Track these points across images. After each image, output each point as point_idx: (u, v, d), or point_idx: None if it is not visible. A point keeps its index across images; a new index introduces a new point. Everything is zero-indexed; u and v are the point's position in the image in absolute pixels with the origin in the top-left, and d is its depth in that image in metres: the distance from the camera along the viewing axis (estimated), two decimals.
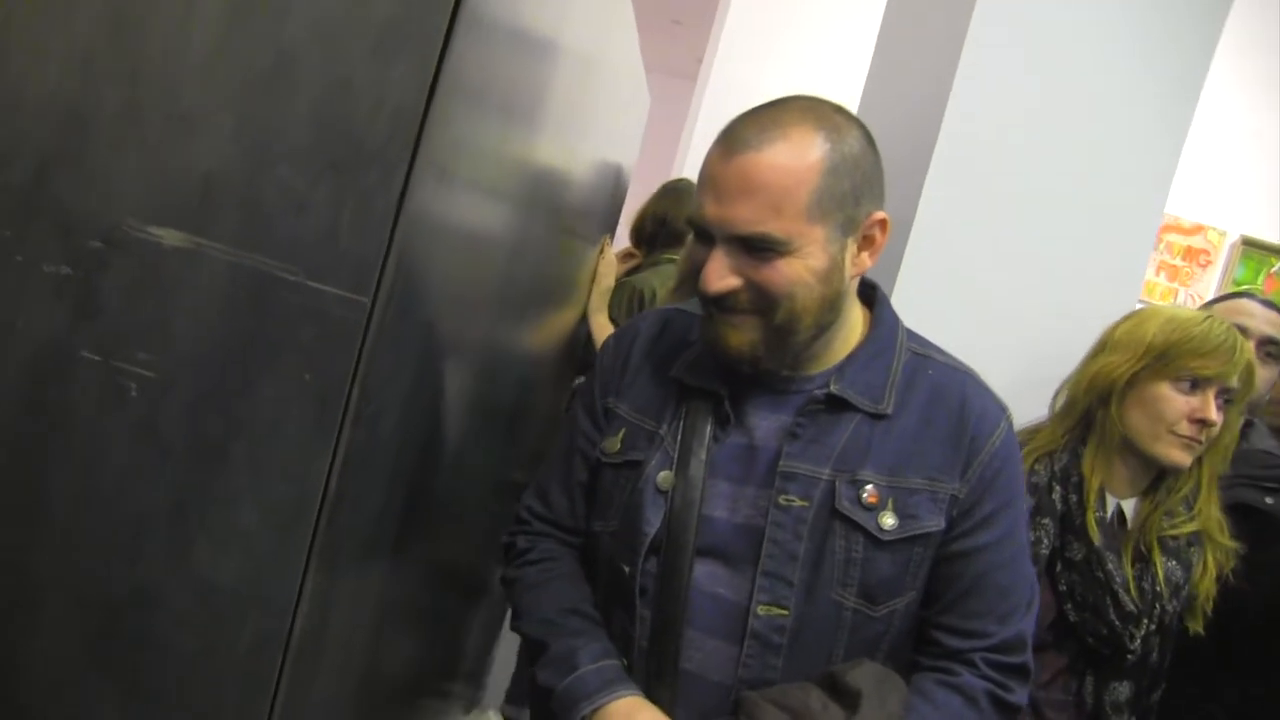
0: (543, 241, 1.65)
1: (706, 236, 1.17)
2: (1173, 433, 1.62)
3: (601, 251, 2.47)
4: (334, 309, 0.94)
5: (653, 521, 1.23)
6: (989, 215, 1.95)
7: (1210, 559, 1.68)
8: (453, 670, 1.87)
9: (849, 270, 1.20)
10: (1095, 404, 1.69)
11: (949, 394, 1.25)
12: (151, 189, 0.96)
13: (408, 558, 1.25)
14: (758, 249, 1.13)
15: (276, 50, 0.94)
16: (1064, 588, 1.64)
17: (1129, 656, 1.63)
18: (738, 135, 1.14)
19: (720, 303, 1.18)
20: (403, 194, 0.93)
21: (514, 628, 1.33)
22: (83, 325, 0.97)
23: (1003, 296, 1.94)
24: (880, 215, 1.21)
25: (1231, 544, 1.69)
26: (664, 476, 1.24)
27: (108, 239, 0.96)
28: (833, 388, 1.22)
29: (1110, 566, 1.61)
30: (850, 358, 1.26)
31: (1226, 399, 1.62)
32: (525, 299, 1.63)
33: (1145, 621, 1.62)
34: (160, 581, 0.97)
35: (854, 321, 1.29)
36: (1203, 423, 1.60)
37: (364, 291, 0.94)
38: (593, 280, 2.44)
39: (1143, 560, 1.66)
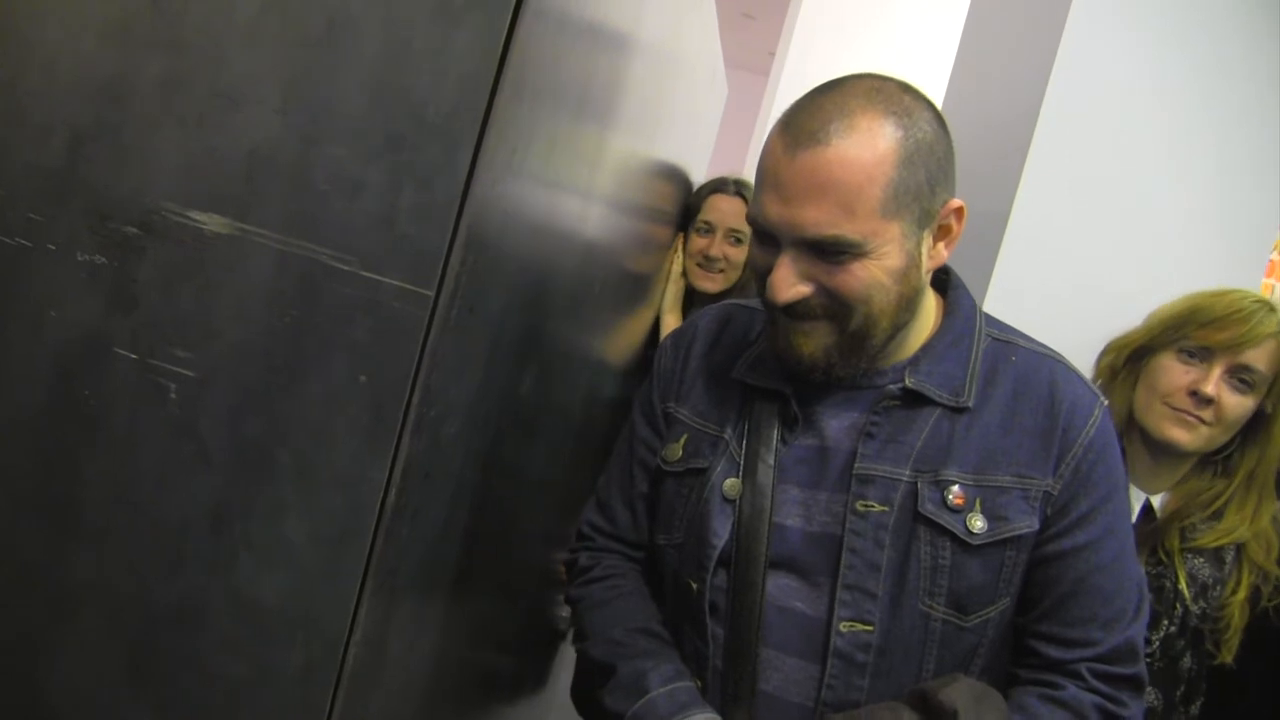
0: (618, 237, 1.55)
1: (770, 239, 1.08)
2: (1167, 404, 1.52)
3: (676, 250, 2.38)
4: (392, 302, 0.85)
5: (720, 533, 1.15)
6: (1091, 208, 1.84)
7: (1245, 576, 1.52)
8: (517, 696, 1.77)
9: (926, 265, 1.11)
10: (1108, 377, 1.61)
11: (1036, 382, 1.15)
12: (192, 170, 0.87)
13: (471, 577, 1.15)
14: (830, 253, 1.05)
15: (328, 12, 0.85)
16: None
17: (1149, 661, 1.49)
18: (801, 127, 1.05)
19: (790, 310, 1.09)
20: (469, 174, 0.83)
21: (578, 649, 1.25)
22: (118, 319, 0.88)
23: (1104, 293, 1.81)
24: (956, 203, 1.11)
25: (1278, 571, 1.53)
26: (730, 484, 1.16)
27: (145, 225, 0.88)
28: (908, 381, 1.14)
29: None
30: (925, 348, 1.17)
31: (1243, 378, 1.48)
32: (600, 297, 1.53)
33: (1165, 624, 1.51)
34: (201, 598, 0.88)
35: (928, 310, 1.20)
36: (1197, 395, 1.48)
37: (426, 283, 0.84)
38: (667, 279, 2.35)
39: (1164, 561, 1.54)
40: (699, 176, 2.57)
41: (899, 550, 1.10)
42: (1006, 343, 1.19)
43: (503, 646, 1.52)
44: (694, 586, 1.17)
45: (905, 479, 1.11)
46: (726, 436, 1.20)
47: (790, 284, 1.07)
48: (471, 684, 1.37)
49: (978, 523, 1.09)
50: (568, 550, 1.35)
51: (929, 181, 1.07)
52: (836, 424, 1.16)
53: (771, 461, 1.15)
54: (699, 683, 1.17)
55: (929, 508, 1.09)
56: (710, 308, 1.36)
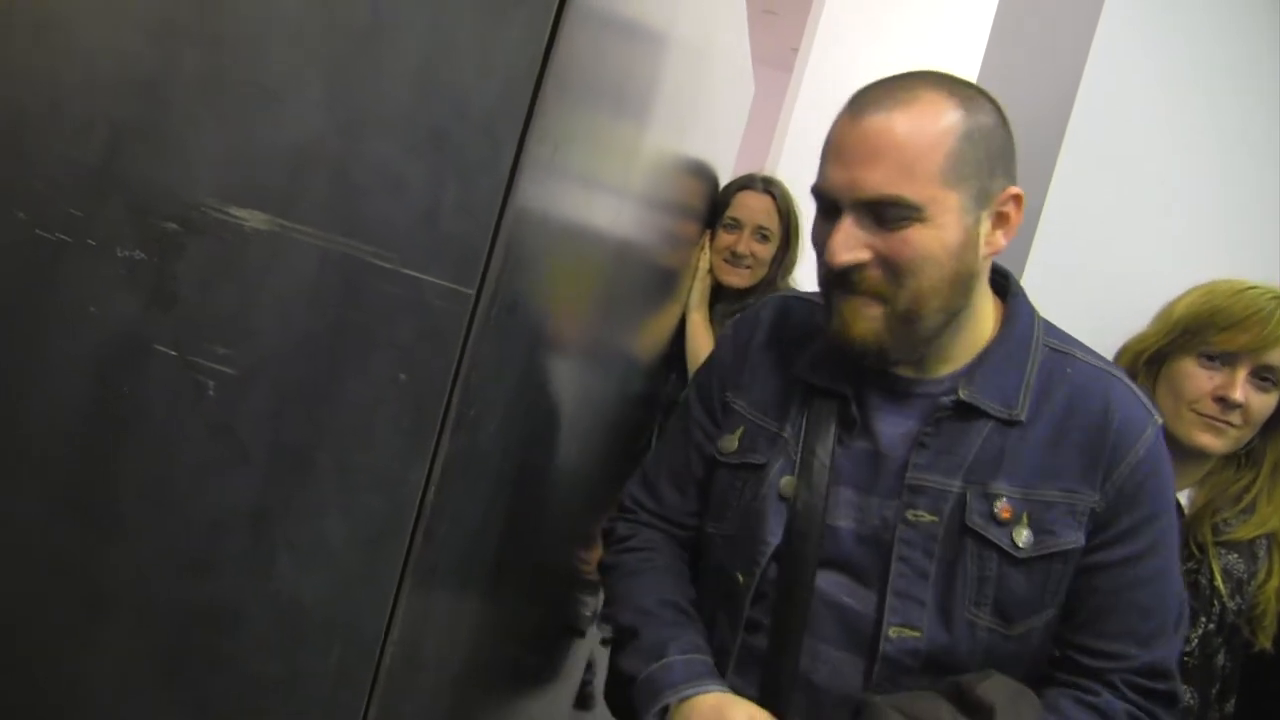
0: (649, 233, 1.54)
1: (832, 209, 1.08)
2: (1194, 411, 1.50)
3: (703, 247, 2.37)
4: (434, 301, 0.84)
5: (776, 531, 1.16)
6: (1125, 199, 1.82)
7: (1277, 564, 1.52)
8: (542, 693, 1.76)
9: (982, 249, 1.11)
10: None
11: (1091, 397, 1.15)
12: (233, 165, 0.86)
13: (504, 576, 1.14)
14: (889, 216, 1.05)
15: (372, 8, 0.84)
16: None
17: (1186, 660, 1.48)
18: (866, 100, 1.07)
19: (845, 279, 1.09)
20: (513, 171, 0.82)
21: (604, 616, 1.29)
22: (157, 316, 0.88)
23: (1139, 284, 1.79)
24: (1015, 190, 1.11)
25: None
26: (786, 482, 1.17)
27: (185, 221, 0.87)
28: (962, 393, 1.13)
29: None
30: (981, 357, 1.16)
31: (1266, 377, 1.47)
32: (630, 294, 1.52)
33: (1203, 620, 1.49)
34: (237, 598, 0.88)
35: (985, 314, 1.18)
36: (1225, 401, 1.46)
37: (468, 282, 0.83)
38: (693, 277, 2.34)
39: (1196, 557, 1.52)
40: (725, 173, 2.55)
41: (947, 560, 1.11)
42: (1065, 354, 1.18)
43: (531, 644, 1.51)
44: (740, 579, 1.18)
45: (955, 490, 1.11)
46: (786, 434, 1.20)
47: (849, 246, 1.06)
48: (501, 682, 1.37)
49: (1024, 536, 1.09)
50: (606, 519, 1.36)
51: (989, 161, 1.07)
52: (891, 430, 1.16)
53: (828, 462, 1.15)
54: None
55: (976, 520, 1.10)
56: (771, 298, 1.35)
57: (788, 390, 1.22)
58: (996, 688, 1.03)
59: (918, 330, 1.11)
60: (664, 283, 1.93)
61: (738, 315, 1.37)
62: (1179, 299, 1.58)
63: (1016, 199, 1.12)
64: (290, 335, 0.86)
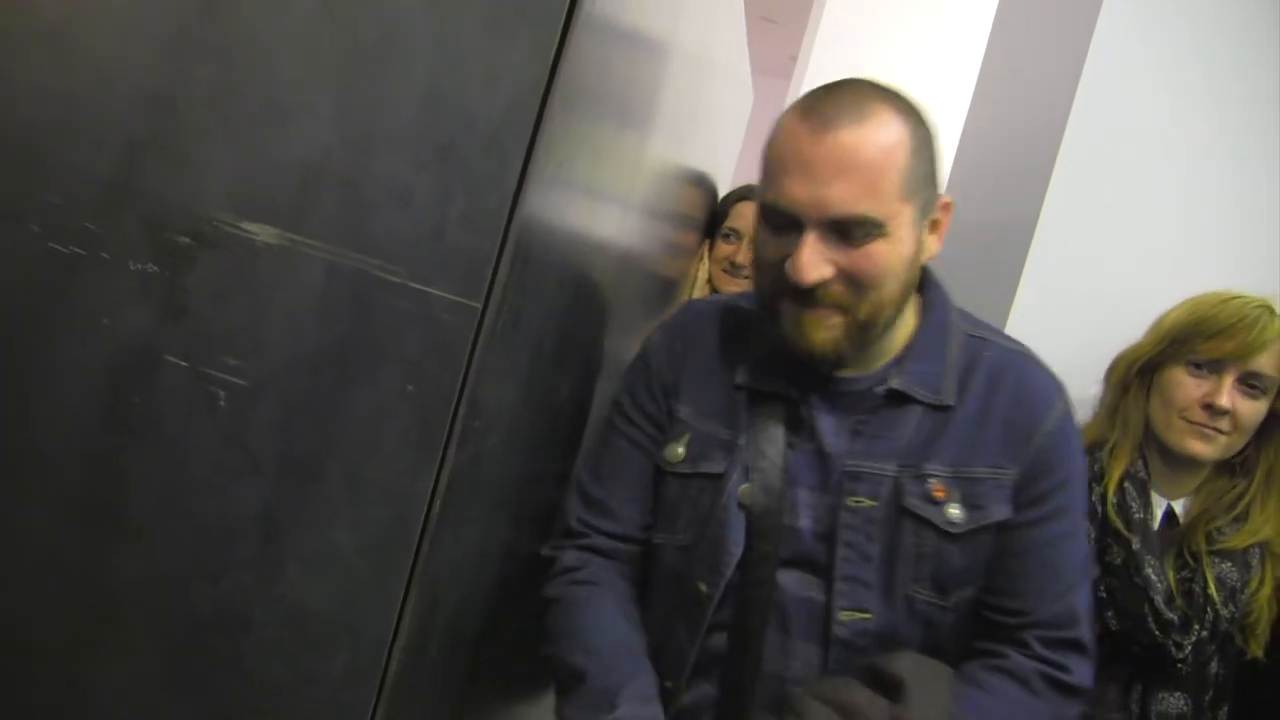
0: (650, 244, 1.55)
1: (789, 225, 1.09)
2: (1184, 419, 1.53)
3: (702, 258, 2.38)
4: (441, 314, 0.85)
5: (739, 540, 1.17)
6: (1119, 216, 1.83)
7: (1269, 573, 1.54)
8: (540, 699, 1.77)
9: (923, 256, 1.17)
10: (1118, 393, 1.62)
11: (1006, 377, 1.21)
12: (244, 180, 0.88)
13: (506, 583, 1.16)
14: (855, 234, 1.07)
15: (382, 23, 0.85)
16: (1104, 594, 1.53)
17: (1179, 666, 1.52)
18: (823, 113, 1.07)
19: (808, 295, 1.10)
20: (519, 187, 0.84)
21: (546, 652, 1.22)
22: (169, 327, 0.89)
23: (1133, 302, 1.80)
24: (946, 199, 1.17)
25: None
26: (745, 490, 1.18)
27: (197, 234, 0.88)
28: (893, 382, 1.18)
29: (1149, 572, 1.51)
30: (908, 348, 1.21)
31: (1253, 384, 1.50)
32: (631, 304, 1.53)
33: (1196, 628, 1.50)
34: (247, 603, 0.89)
35: (909, 308, 1.23)
36: (1212, 408, 1.50)
37: (474, 295, 0.85)
38: (692, 287, 2.35)
39: (1191, 565, 1.54)
40: (725, 182, 2.57)
41: (887, 541, 1.15)
42: (981, 339, 1.24)
43: (530, 652, 1.52)
44: (704, 588, 1.18)
45: (890, 474, 1.16)
46: (741, 442, 1.20)
47: (815, 265, 1.07)
48: (503, 685, 1.38)
49: (955, 512, 1.15)
50: (548, 546, 1.28)
51: (931, 173, 1.13)
52: (832, 425, 1.19)
53: (780, 464, 1.18)
54: (669, 684, 1.19)
55: (912, 501, 1.15)
56: (691, 303, 1.34)
57: (731, 396, 1.23)
58: (906, 662, 1.10)
59: (871, 335, 1.15)
60: (664, 293, 1.95)
61: (661, 322, 1.32)
62: (1169, 311, 1.61)
63: (946, 206, 1.18)
64: (300, 348, 0.88)
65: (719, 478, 1.19)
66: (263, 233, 0.87)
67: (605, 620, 1.20)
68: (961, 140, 2.27)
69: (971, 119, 2.28)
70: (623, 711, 1.09)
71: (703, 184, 2.14)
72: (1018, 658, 1.16)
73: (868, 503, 1.15)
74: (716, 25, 1.63)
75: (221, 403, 0.89)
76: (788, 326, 1.14)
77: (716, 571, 1.17)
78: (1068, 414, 1.21)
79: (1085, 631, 1.19)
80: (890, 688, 1.08)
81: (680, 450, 1.22)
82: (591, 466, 1.29)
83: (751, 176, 2.47)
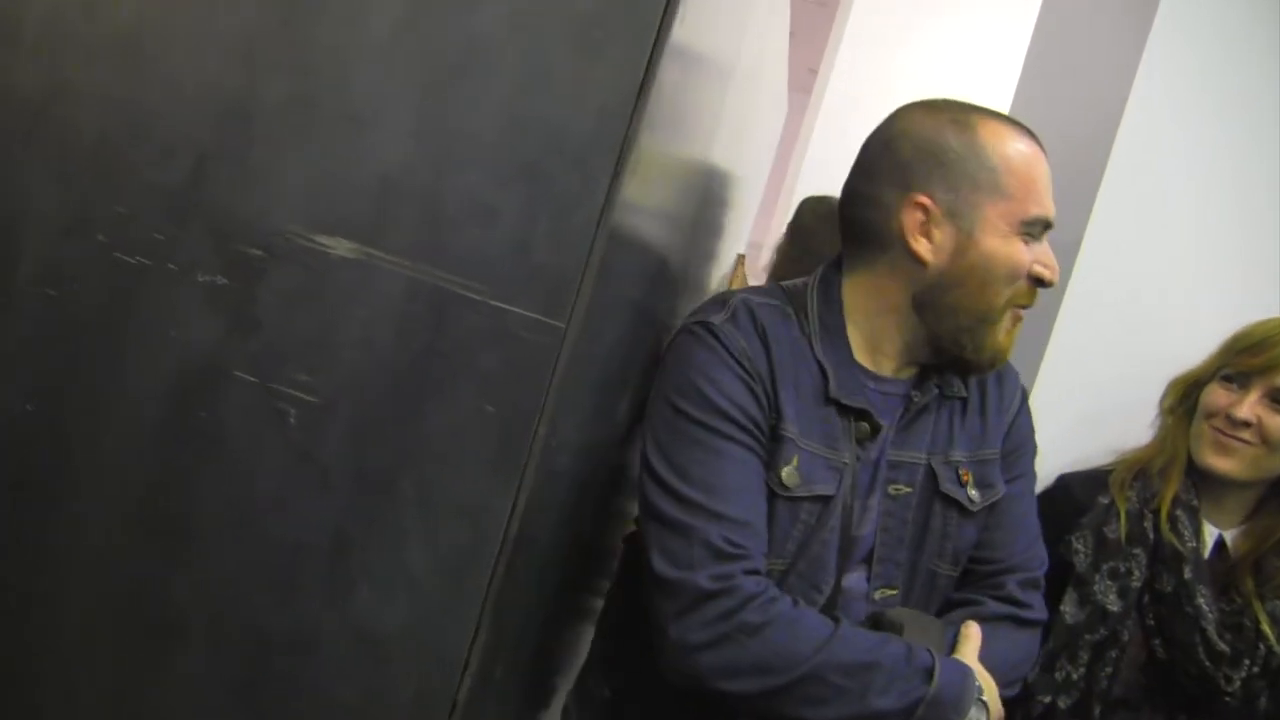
0: (701, 259, 1.54)
1: (1037, 230, 1.20)
2: (1209, 424, 1.54)
3: (738, 271, 2.36)
4: (522, 333, 0.84)
5: (836, 561, 1.20)
6: (1168, 229, 1.81)
7: None
8: None
9: None
10: (1167, 415, 1.64)
11: None
12: (319, 193, 0.86)
13: (564, 601, 1.15)
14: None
15: (467, 38, 0.84)
16: (1152, 622, 1.52)
17: (1227, 700, 1.49)
18: (1031, 138, 1.21)
19: (1032, 297, 1.22)
20: (605, 205, 0.82)
21: (778, 682, 1.09)
22: (238, 342, 0.87)
23: (1180, 318, 1.79)
24: None
25: None
26: (844, 509, 1.20)
27: (269, 247, 0.87)
28: (940, 386, 1.27)
29: (1201, 601, 1.48)
30: None
31: (1278, 399, 1.50)
32: (680, 320, 1.52)
33: (1246, 663, 1.48)
34: (316, 624, 0.88)
35: None
36: (1231, 419, 1.50)
37: (558, 315, 0.83)
38: None
39: (1238, 602, 1.51)
40: (758, 193, 2.55)
41: (919, 523, 1.24)
42: None
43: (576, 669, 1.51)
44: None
45: (922, 462, 1.24)
46: (847, 460, 1.20)
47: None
48: (549, 704, 1.37)
49: (974, 493, 1.26)
50: (708, 576, 1.11)
51: None
52: (889, 432, 1.24)
53: (853, 479, 1.20)
54: None
55: (948, 486, 1.24)
56: (740, 307, 1.22)
57: (823, 410, 1.20)
58: (904, 612, 1.19)
59: None
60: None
61: (728, 315, 1.20)
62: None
63: None
64: (374, 364, 0.86)
65: (830, 499, 1.19)
66: (338, 246, 0.86)
67: (829, 621, 1.13)
68: None
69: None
70: (938, 662, 1.10)
71: (745, 196, 2.12)
72: (992, 604, 1.26)
73: (905, 490, 1.23)
74: (768, 44, 1.62)
75: (291, 420, 0.87)
76: (1001, 337, 1.22)
77: (816, 589, 1.19)
78: (1023, 387, 1.38)
79: (1045, 569, 1.34)
80: (892, 629, 1.16)
81: (795, 474, 1.18)
82: (715, 485, 1.16)
83: (773, 186, 2.46)
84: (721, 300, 1.23)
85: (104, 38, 0.87)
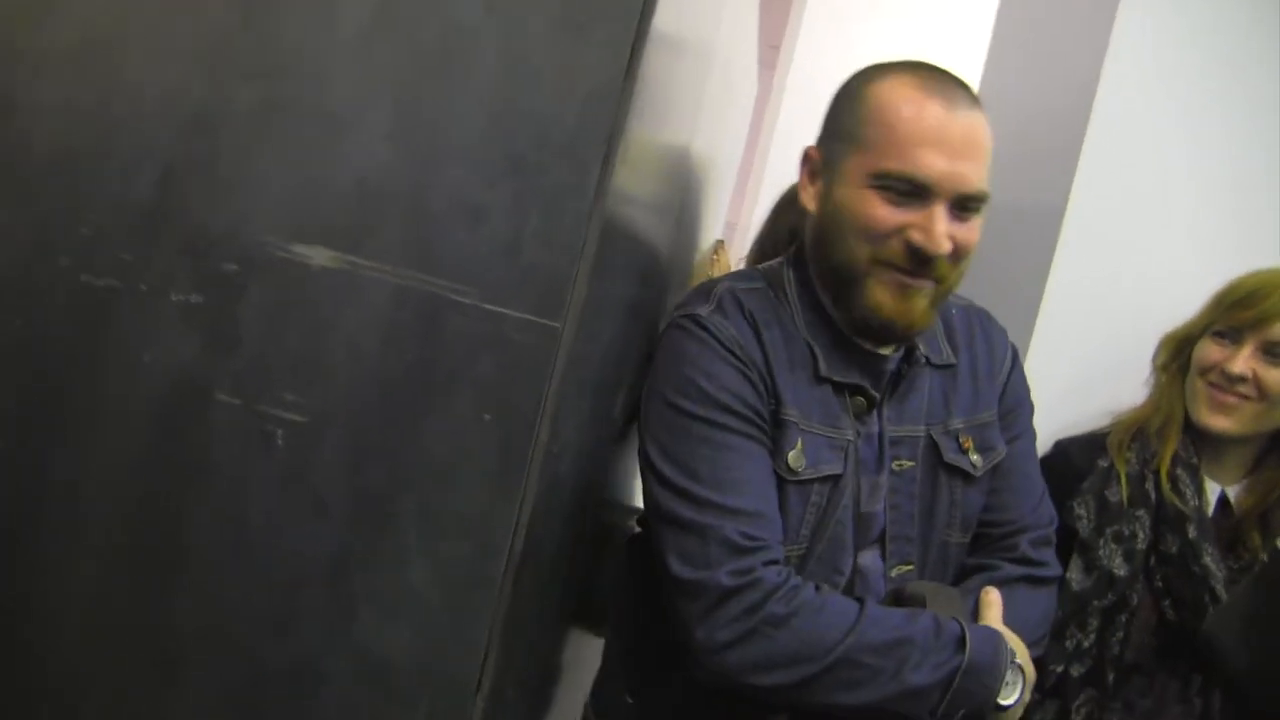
0: (684, 249, 1.51)
1: (913, 193, 1.11)
2: (1205, 381, 1.52)
3: (716, 256, 2.32)
4: (517, 336, 0.80)
5: (853, 539, 1.19)
6: (1152, 197, 1.79)
7: None
8: None
9: None
10: (1160, 373, 1.61)
11: (973, 329, 1.32)
12: (295, 201, 0.82)
13: (577, 613, 1.11)
14: (971, 208, 1.12)
15: (443, 30, 0.80)
16: (1160, 584, 1.50)
17: None
18: (947, 93, 1.12)
19: (927, 265, 1.12)
20: (596, 197, 0.79)
21: (824, 664, 1.07)
22: (218, 363, 0.83)
23: (1169, 283, 1.77)
24: None
25: None
26: (853, 488, 1.19)
27: (245, 261, 0.82)
28: (923, 349, 1.24)
29: (1207, 560, 1.46)
30: None
31: (1275, 352, 1.48)
32: (667, 310, 1.48)
33: None
34: (318, 652, 0.83)
35: None
36: (1226, 374, 1.48)
37: (553, 315, 0.79)
38: None
39: (1245, 557, 1.50)
40: (733, 173, 2.52)
41: (926, 496, 1.22)
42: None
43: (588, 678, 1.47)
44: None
45: (922, 435, 1.23)
46: (850, 437, 1.18)
47: (946, 236, 1.10)
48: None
49: (976, 458, 1.25)
50: (726, 572, 1.08)
51: None
52: (883, 405, 1.22)
53: (857, 455, 1.19)
54: None
55: (951, 456, 1.23)
56: (724, 294, 1.21)
57: (821, 392, 1.19)
58: (925, 585, 1.18)
59: (941, 303, 1.19)
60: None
61: (714, 305, 1.18)
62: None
63: None
64: (365, 378, 0.82)
65: (839, 478, 1.18)
66: (318, 256, 0.82)
67: (854, 603, 1.12)
68: None
69: (985, 91, 2.25)
70: (971, 630, 1.10)
71: (723, 180, 2.09)
72: (1007, 566, 1.26)
73: (908, 464, 1.21)
74: (740, 23, 1.58)
75: (279, 441, 0.83)
76: (881, 295, 1.14)
77: (838, 571, 1.18)
78: (1013, 346, 1.35)
79: (1055, 525, 1.34)
80: (912, 603, 1.15)
81: (800, 457, 1.17)
82: (713, 474, 1.14)
83: (744, 163, 2.43)
84: (706, 290, 1.20)
85: (57, 48, 0.83)
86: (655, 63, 0.85)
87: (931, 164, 1.09)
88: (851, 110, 1.15)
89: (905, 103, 1.11)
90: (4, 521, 0.85)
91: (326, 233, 0.81)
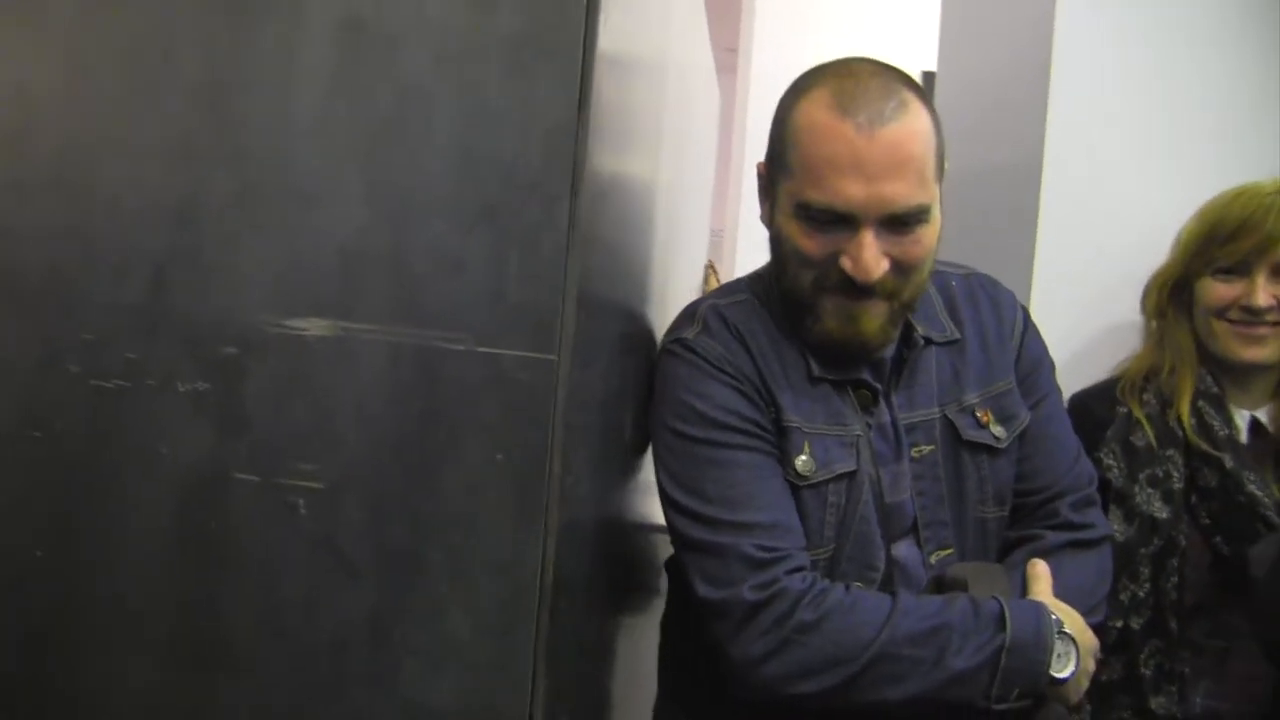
0: (674, 263, 1.52)
1: (840, 223, 1.09)
2: (1225, 320, 1.48)
3: (711, 275, 2.33)
4: (515, 374, 0.81)
5: (883, 533, 1.17)
6: (1127, 134, 1.79)
7: None
8: None
9: None
10: (1158, 318, 1.58)
11: (978, 297, 1.29)
12: (282, 277, 0.84)
13: (624, 640, 1.12)
14: (909, 222, 1.09)
15: (397, 90, 0.82)
16: (1207, 520, 1.46)
17: None
18: (865, 109, 1.06)
19: (863, 290, 1.10)
20: (570, 228, 0.80)
21: (862, 663, 1.06)
22: (232, 443, 0.85)
23: (1157, 220, 1.75)
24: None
25: None
26: (872, 480, 1.18)
27: (243, 341, 0.84)
28: (921, 329, 1.22)
29: (1252, 488, 1.43)
30: None
31: None
32: (658, 327, 1.50)
33: None
34: (369, 713, 0.85)
35: None
36: (1249, 310, 1.45)
37: (547, 348, 0.81)
38: None
39: None
40: (708, 184, 2.53)
41: (952, 478, 1.21)
42: (940, 272, 1.27)
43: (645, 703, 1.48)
44: (860, 589, 1.14)
45: (937, 416, 1.21)
46: (859, 433, 1.18)
47: (877, 261, 1.08)
48: None
49: (999, 430, 1.22)
50: (749, 587, 1.08)
51: (942, 143, 1.14)
52: (889, 395, 1.21)
53: (870, 449, 1.18)
54: None
55: (969, 433, 1.21)
56: (708, 312, 1.22)
57: (821, 392, 1.19)
58: (965, 567, 1.16)
59: (908, 312, 1.18)
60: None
61: (701, 326, 1.19)
62: (1185, 225, 1.57)
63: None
64: (375, 437, 0.84)
65: (854, 474, 1.17)
66: (312, 326, 0.84)
67: (885, 597, 1.11)
68: (939, 91, 2.23)
69: (944, 67, 2.25)
70: (1008, 608, 1.08)
71: (700, 196, 2.10)
72: (1050, 535, 1.23)
73: (928, 449, 1.20)
74: (692, 34, 1.60)
75: (302, 511, 0.84)
76: (832, 321, 1.14)
77: (871, 567, 1.17)
78: (1023, 307, 1.32)
79: (1097, 484, 1.31)
80: (954, 587, 1.13)
81: (809, 461, 1.17)
82: (723, 493, 1.14)
83: (724, 171, 2.45)
84: (690, 313, 1.22)
85: (38, 175, 0.85)
86: (608, 87, 0.87)
87: (850, 193, 1.07)
88: (779, 134, 1.15)
89: (819, 129, 1.09)
90: (51, 631, 0.87)
91: (317, 303, 0.83)
